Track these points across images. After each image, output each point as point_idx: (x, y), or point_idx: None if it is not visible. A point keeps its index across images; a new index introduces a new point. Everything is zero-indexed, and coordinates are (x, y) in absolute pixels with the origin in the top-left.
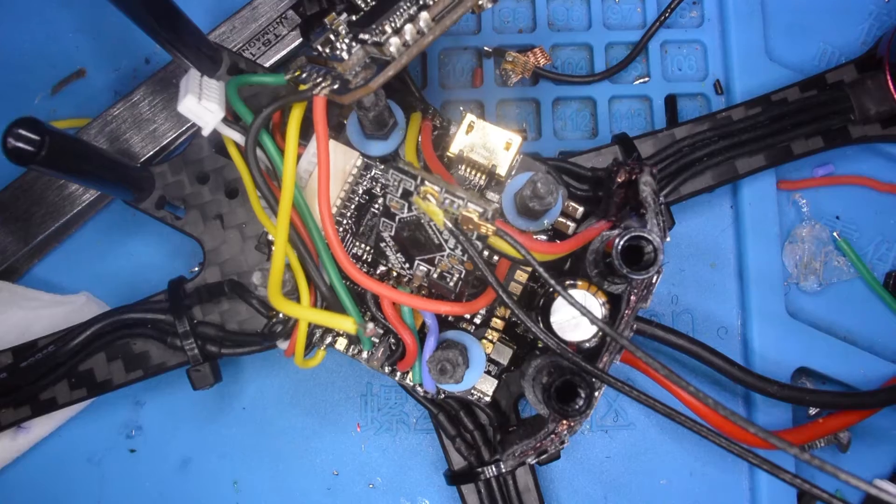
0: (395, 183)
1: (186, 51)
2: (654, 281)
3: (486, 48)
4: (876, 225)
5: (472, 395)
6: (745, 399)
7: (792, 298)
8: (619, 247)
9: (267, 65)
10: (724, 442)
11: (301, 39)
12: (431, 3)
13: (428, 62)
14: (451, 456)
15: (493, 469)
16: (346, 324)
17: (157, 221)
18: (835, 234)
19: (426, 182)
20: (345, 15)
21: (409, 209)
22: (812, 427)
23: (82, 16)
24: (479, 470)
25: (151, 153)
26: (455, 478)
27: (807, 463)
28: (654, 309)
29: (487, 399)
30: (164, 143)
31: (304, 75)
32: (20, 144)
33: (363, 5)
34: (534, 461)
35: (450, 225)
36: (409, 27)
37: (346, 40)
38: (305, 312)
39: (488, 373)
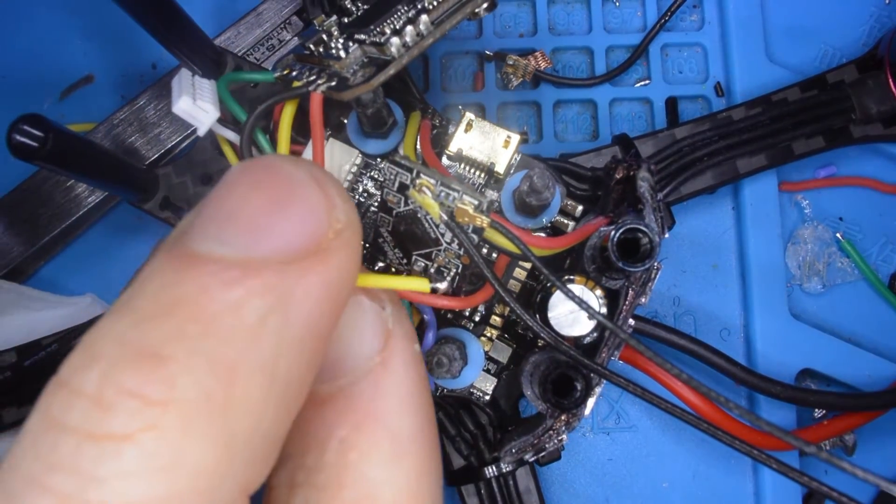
0: (392, 177)
1: (192, 55)
2: (652, 276)
3: (487, 52)
4: (880, 226)
5: (472, 393)
6: (749, 400)
7: (795, 300)
8: (615, 239)
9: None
10: (726, 438)
11: (300, 43)
12: (430, 7)
13: (430, 66)
14: (450, 456)
15: (494, 469)
16: None
17: (162, 223)
18: (838, 235)
19: (422, 175)
20: (335, 17)
21: (406, 203)
22: (817, 429)
23: (90, 22)
24: (480, 470)
25: (156, 156)
26: (455, 478)
27: (825, 461)
28: (656, 310)
29: (487, 398)
30: (169, 146)
31: (294, 73)
32: (24, 140)
33: (354, 9)
34: (532, 458)
35: (445, 218)
36: (409, 28)
37: (341, 40)
38: None
39: (488, 371)
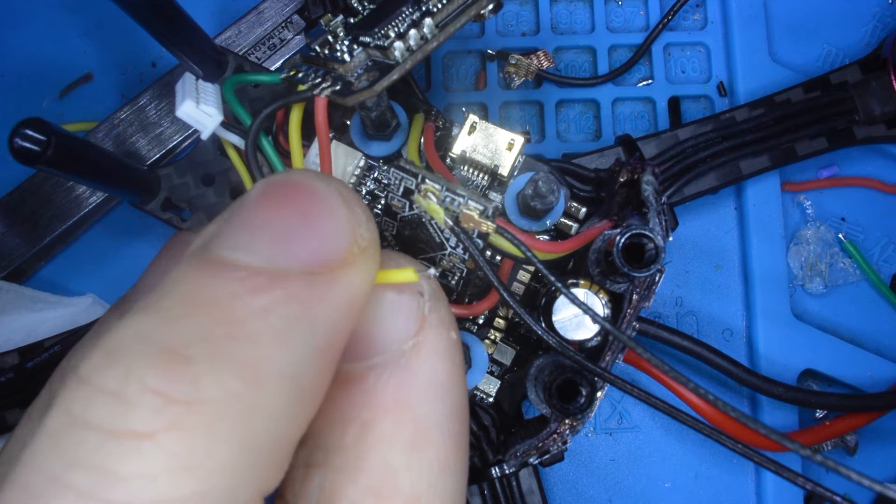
0: (396, 182)
1: (193, 54)
2: (656, 280)
3: (489, 51)
4: (882, 226)
5: (476, 395)
6: (751, 401)
7: (797, 300)
8: (620, 245)
9: (272, 69)
10: (727, 441)
11: (306, 43)
12: (434, 9)
13: (432, 65)
14: None
15: (497, 470)
16: None
17: (163, 223)
18: (840, 235)
19: (427, 180)
20: (341, 17)
21: (411, 208)
22: (818, 430)
23: (89, 21)
24: (483, 470)
25: (158, 156)
26: None
27: (819, 464)
28: (658, 311)
29: (490, 400)
30: (170, 146)
31: (300, 75)
32: (27, 144)
33: (360, 9)
34: (536, 461)
35: (450, 223)
36: (413, 32)
37: (346, 42)
38: None
39: (491, 373)
